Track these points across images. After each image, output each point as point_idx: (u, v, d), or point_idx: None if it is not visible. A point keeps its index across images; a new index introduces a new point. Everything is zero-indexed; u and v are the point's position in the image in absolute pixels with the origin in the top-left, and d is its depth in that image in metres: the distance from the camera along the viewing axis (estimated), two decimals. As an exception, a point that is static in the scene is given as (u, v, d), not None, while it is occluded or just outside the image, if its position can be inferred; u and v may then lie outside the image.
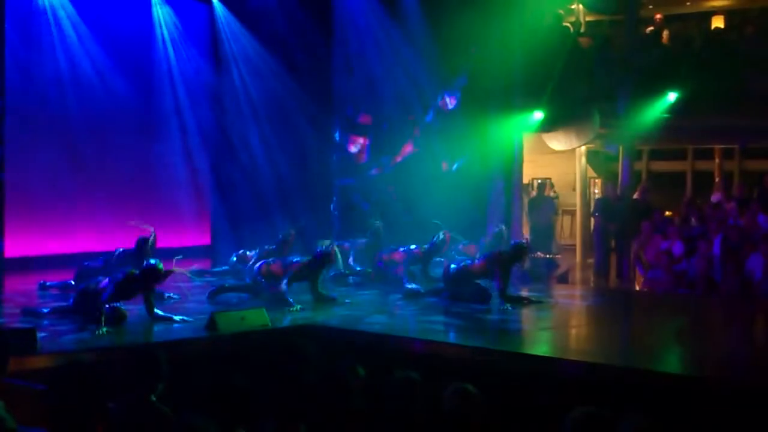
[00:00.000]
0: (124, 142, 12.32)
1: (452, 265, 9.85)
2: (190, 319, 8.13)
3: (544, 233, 15.88)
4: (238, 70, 13.36)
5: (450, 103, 14.50)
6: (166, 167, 12.80)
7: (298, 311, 8.85)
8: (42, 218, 11.28)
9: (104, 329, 7.50)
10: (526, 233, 15.62)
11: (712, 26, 17.27)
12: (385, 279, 10.87)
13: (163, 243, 9.95)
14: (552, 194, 17.94)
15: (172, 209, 10.98)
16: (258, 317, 8.10)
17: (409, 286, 10.16)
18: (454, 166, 14.03)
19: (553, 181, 18.35)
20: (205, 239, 13.53)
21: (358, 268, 11.49)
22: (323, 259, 9.40)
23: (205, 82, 13.52)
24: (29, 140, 11.47)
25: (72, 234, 11.28)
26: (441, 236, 10.81)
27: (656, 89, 14.43)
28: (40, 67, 11.73)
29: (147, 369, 4.79)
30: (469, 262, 9.83)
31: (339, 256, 9.61)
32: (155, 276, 7.99)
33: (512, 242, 10.12)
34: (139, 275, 7.97)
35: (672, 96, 14.39)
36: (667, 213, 15.38)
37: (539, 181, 17.98)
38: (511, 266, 9.51)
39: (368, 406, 4.74)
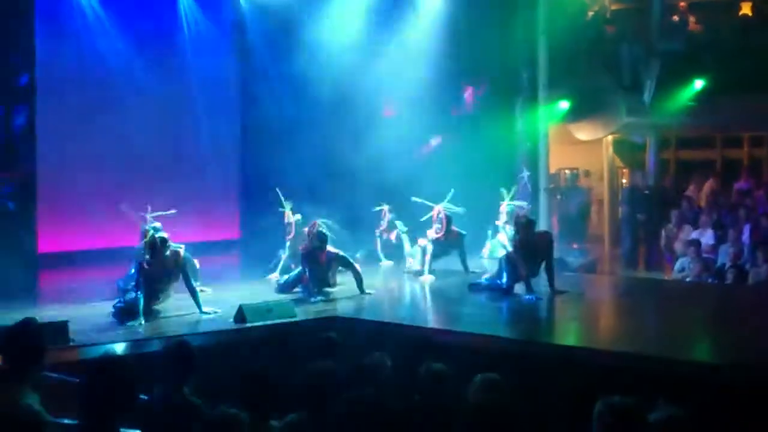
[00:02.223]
0: (151, 135, 12.40)
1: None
2: (220, 311, 8.23)
3: (576, 223, 15.84)
4: (264, 59, 13.37)
5: (476, 94, 14.47)
6: (194, 161, 12.88)
7: (317, 303, 8.94)
8: (72, 214, 11.40)
9: (142, 320, 7.69)
10: (554, 223, 15.58)
11: (740, 13, 17.06)
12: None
13: (192, 237, 10.03)
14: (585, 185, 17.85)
15: (201, 203, 11.05)
16: (285, 309, 8.18)
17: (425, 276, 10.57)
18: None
19: (580, 171, 18.27)
20: (233, 233, 13.61)
21: (383, 259, 11.72)
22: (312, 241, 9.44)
23: (231, 73, 13.56)
24: (58, 137, 11.59)
25: (102, 230, 11.38)
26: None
27: (683, 77, 14.30)
28: (68, 62, 11.84)
29: (179, 361, 4.85)
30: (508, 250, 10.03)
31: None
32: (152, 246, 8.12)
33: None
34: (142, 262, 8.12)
35: (699, 83, 14.25)
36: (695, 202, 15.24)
37: (568, 172, 17.91)
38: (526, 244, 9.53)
39: (396, 398, 4.77)
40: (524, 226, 9.60)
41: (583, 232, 16.02)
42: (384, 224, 12.07)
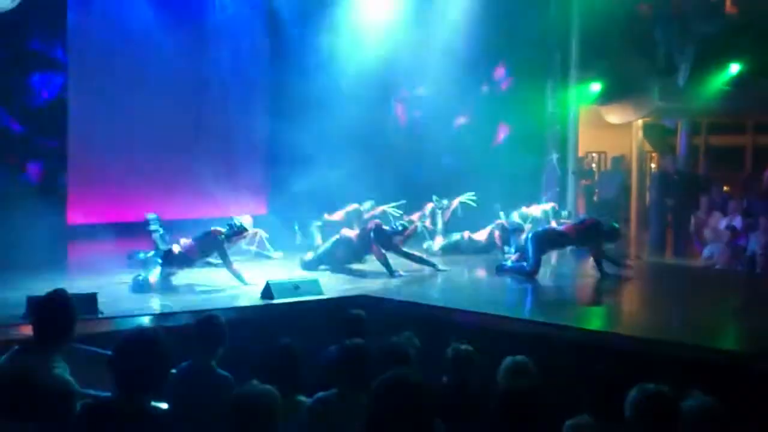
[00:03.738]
0: (180, 109, 12.39)
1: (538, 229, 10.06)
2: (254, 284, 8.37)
3: (613, 207, 15.75)
4: (293, 33, 13.26)
5: (505, 74, 14.34)
6: (222, 136, 12.86)
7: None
8: (102, 186, 11.44)
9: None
10: (580, 207, 15.46)
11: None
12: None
13: (219, 213, 10.05)
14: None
15: (229, 178, 11.03)
16: (312, 286, 8.19)
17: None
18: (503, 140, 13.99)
19: (608, 155, 18.10)
20: (261, 209, 13.60)
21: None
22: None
23: (259, 47, 13.48)
24: (88, 109, 11.62)
25: (132, 202, 11.42)
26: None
27: (718, 61, 14.07)
28: (99, 35, 11.81)
29: (209, 335, 4.87)
30: (558, 227, 10.10)
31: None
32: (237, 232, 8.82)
33: (611, 224, 10.01)
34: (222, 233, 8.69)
35: (734, 68, 14.01)
36: (725, 188, 15.09)
37: (595, 155, 17.75)
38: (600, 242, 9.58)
39: (424, 378, 4.75)
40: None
41: (617, 216, 15.89)
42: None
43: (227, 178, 10.23)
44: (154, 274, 8.38)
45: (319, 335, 6.17)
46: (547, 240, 9.63)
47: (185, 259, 8.61)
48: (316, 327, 6.90)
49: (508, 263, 9.94)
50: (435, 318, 7.52)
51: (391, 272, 9.42)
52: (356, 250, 9.77)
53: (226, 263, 8.68)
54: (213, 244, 8.69)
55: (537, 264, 9.50)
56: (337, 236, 9.97)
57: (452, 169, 12.49)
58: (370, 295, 8.24)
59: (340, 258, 9.79)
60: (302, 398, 4.34)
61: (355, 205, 11.76)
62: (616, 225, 10.03)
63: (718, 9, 15.26)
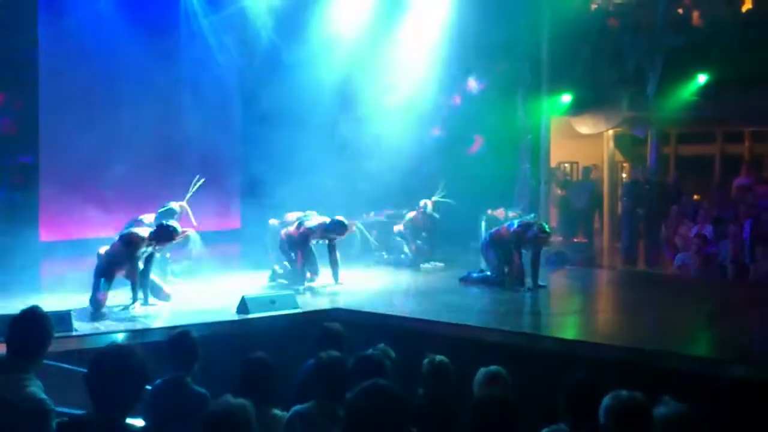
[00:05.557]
0: (153, 124, 12.35)
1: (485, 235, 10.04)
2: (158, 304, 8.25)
3: (583, 217, 15.86)
4: (266, 47, 13.29)
5: (477, 86, 14.43)
6: (195, 150, 12.83)
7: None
8: (74, 203, 11.39)
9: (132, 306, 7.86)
10: (553, 218, 15.56)
11: (743, 8, 17.00)
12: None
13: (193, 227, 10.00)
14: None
15: (202, 192, 10.96)
16: (288, 301, 8.19)
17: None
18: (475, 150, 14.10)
19: (580, 165, 18.22)
20: (234, 223, 13.57)
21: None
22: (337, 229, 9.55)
23: (232, 61, 13.48)
24: (60, 125, 11.56)
25: (104, 218, 11.36)
26: None
27: (686, 72, 14.27)
28: (70, 51, 11.77)
29: (182, 350, 4.86)
30: (496, 229, 9.98)
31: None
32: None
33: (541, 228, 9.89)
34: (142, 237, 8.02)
35: (702, 78, 14.21)
36: (695, 197, 15.27)
37: (567, 165, 17.88)
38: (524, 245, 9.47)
39: (400, 389, 4.77)
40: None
41: (589, 226, 16.00)
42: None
43: (201, 192, 10.18)
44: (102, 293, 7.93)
45: (295, 349, 6.18)
46: (492, 243, 9.64)
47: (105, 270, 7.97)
48: (292, 341, 6.91)
49: (473, 274, 9.95)
50: (410, 330, 7.55)
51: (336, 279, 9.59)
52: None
53: (132, 275, 8.01)
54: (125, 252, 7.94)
55: (498, 269, 9.50)
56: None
57: (426, 179, 12.54)
58: (346, 309, 8.25)
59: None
60: (278, 412, 4.35)
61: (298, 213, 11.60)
62: (547, 229, 9.76)
63: (686, 21, 15.47)
